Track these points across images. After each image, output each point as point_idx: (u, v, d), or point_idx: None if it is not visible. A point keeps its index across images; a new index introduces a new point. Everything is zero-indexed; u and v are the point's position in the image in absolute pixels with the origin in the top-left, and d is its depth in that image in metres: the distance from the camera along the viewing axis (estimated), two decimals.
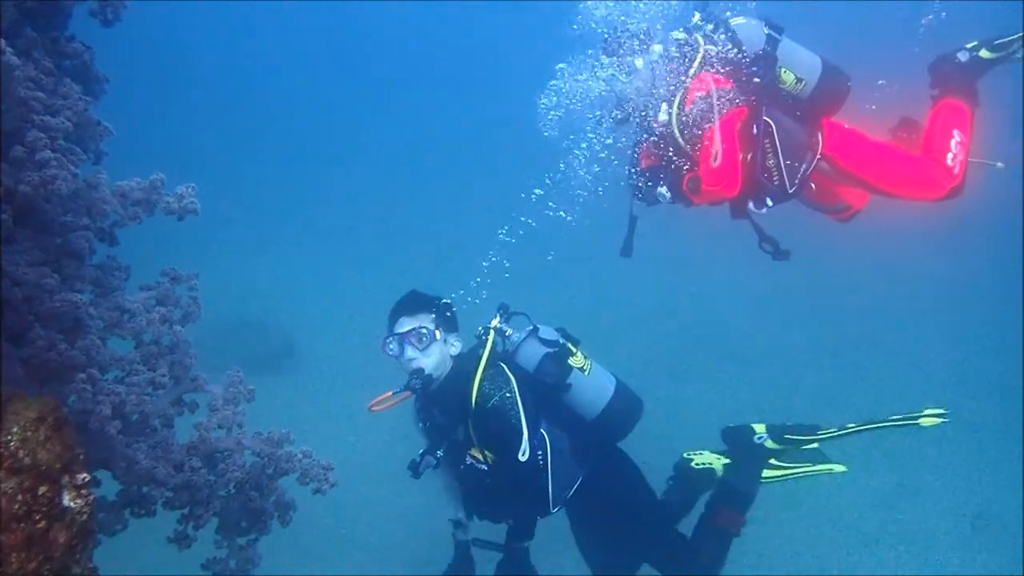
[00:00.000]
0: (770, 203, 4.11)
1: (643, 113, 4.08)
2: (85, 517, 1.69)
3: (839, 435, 4.16)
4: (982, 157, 4.33)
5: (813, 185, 4.40)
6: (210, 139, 14.25)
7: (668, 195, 4.10)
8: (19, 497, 1.54)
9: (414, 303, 3.58)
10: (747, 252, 4.38)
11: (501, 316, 3.75)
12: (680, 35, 4.11)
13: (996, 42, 4.32)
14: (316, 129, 15.59)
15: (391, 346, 3.47)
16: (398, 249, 10.87)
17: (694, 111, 3.96)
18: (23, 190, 1.78)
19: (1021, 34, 4.31)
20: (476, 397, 3.34)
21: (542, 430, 3.55)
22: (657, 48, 4.11)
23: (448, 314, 3.61)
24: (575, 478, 3.64)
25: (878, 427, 4.21)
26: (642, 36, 4.07)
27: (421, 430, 3.63)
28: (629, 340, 8.22)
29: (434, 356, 3.46)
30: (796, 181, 4.09)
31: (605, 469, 3.77)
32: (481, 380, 3.38)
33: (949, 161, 4.11)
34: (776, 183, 4.06)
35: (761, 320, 8.59)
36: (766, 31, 4.12)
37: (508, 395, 3.38)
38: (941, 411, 4.13)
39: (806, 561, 5.59)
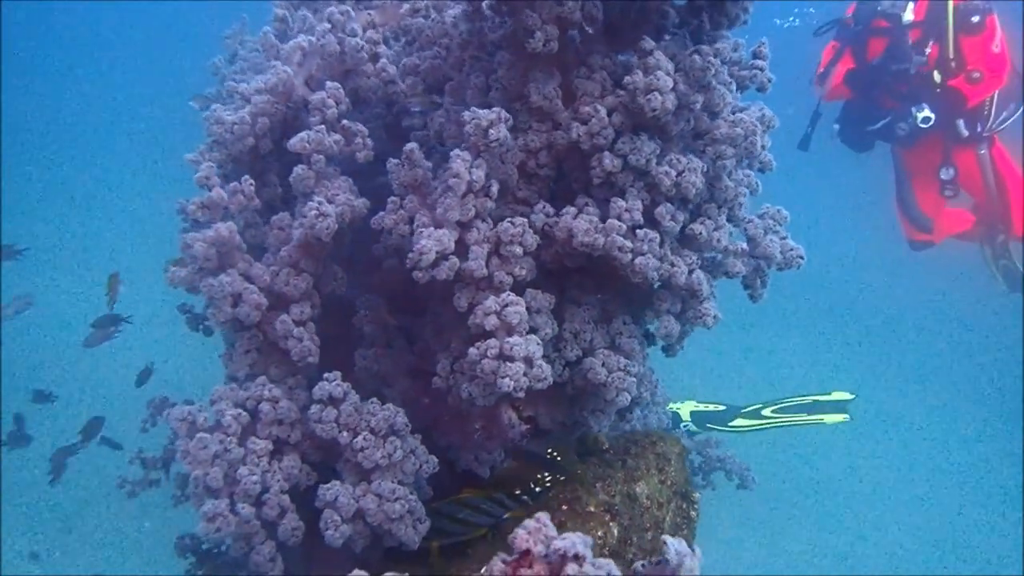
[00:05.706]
0: (976, 129, 4.43)
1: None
2: (696, 523, 2.31)
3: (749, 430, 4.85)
4: None
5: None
6: None
7: (932, 116, 4.33)
8: (679, 513, 2.18)
9: None
10: None
11: None
12: None
13: None
14: None
15: None
16: None
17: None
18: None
19: None
20: None
21: None
22: None
23: None
24: None
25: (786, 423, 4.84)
26: None
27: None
28: None
29: None
30: (993, 126, 4.46)
31: None
32: None
33: None
34: (985, 114, 4.42)
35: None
36: None
37: None
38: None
39: None
